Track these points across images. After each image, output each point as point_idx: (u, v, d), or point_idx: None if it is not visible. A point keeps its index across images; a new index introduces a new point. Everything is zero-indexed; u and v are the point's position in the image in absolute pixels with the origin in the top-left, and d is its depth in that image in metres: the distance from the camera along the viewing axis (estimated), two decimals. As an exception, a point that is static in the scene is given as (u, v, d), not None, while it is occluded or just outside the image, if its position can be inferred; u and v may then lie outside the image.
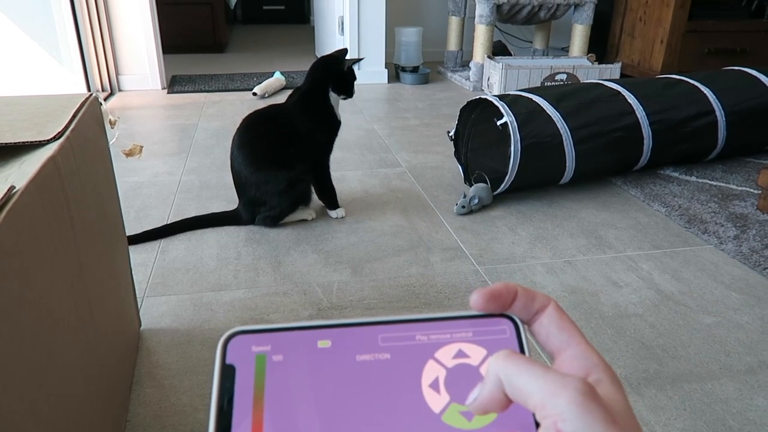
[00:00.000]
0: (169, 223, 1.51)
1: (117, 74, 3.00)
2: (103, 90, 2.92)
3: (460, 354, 0.25)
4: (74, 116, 0.79)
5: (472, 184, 1.76)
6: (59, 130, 0.72)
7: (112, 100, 2.85)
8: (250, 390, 0.24)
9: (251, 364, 0.25)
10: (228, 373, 0.25)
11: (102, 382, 0.79)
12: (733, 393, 0.98)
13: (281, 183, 1.46)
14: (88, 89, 2.62)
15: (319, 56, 4.11)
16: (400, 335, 0.26)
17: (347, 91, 1.52)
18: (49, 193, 0.62)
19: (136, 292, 1.12)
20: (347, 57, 1.51)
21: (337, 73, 1.49)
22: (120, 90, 3.02)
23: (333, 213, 1.59)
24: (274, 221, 1.52)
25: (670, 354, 1.08)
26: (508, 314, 0.26)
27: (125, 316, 1.00)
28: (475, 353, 0.25)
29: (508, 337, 0.26)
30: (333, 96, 1.50)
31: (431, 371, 0.25)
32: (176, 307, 1.19)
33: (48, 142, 0.69)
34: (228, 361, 0.25)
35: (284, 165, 1.46)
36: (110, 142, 0.97)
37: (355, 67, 1.55)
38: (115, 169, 0.99)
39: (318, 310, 1.19)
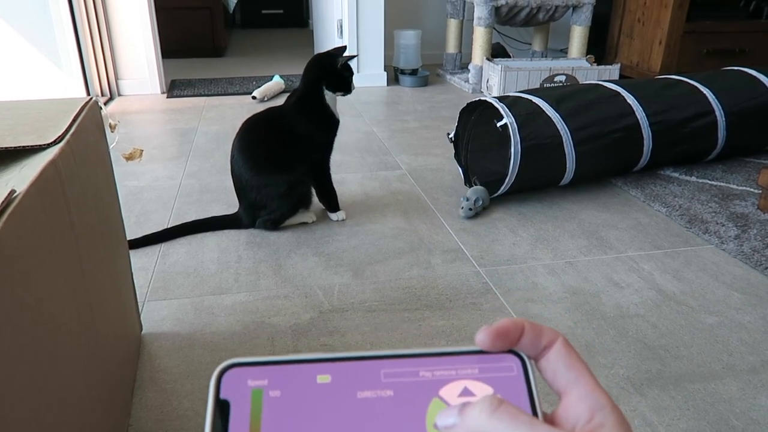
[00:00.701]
0: (169, 227, 1.51)
1: (116, 79, 3.00)
2: (102, 95, 2.93)
3: (466, 392, 0.25)
4: (74, 120, 0.79)
5: (472, 186, 1.76)
6: (59, 134, 0.72)
7: (112, 105, 2.85)
8: (245, 428, 0.23)
9: (247, 400, 0.24)
10: (222, 408, 0.24)
11: (104, 386, 0.79)
12: (736, 393, 0.98)
13: (281, 186, 1.46)
14: (88, 94, 2.62)
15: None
16: (404, 371, 0.25)
17: (343, 87, 1.50)
18: (50, 197, 0.62)
19: (137, 297, 1.12)
20: (344, 54, 1.50)
21: (330, 71, 1.48)
22: (120, 94, 3.02)
23: (334, 216, 1.59)
24: (275, 224, 1.52)
25: (672, 354, 1.08)
26: (515, 350, 0.26)
27: (127, 321, 0.99)
28: (481, 391, 0.25)
29: (515, 374, 0.25)
30: (329, 94, 1.49)
31: (436, 410, 0.24)
32: (177, 311, 1.19)
33: (48, 146, 0.69)
34: (222, 395, 0.24)
35: (284, 168, 1.46)
36: (110, 146, 0.97)
37: (352, 63, 1.53)
38: (116, 174, 0.98)
39: (319, 312, 1.19)
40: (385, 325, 1.15)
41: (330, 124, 1.52)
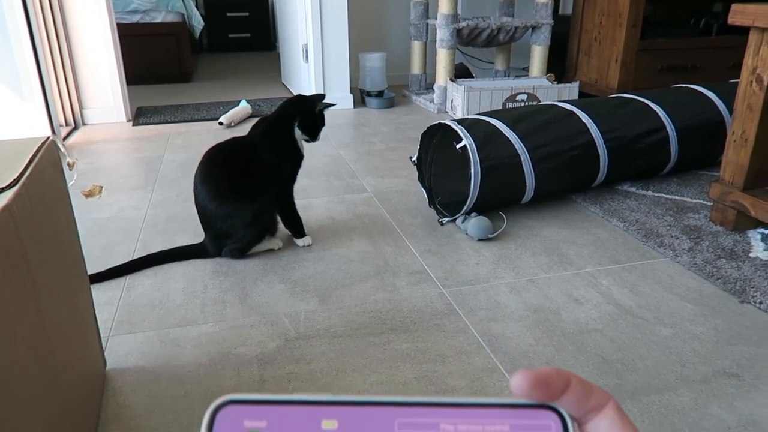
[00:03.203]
0: (134, 259, 1.51)
1: (81, 108, 2.98)
2: (67, 124, 2.90)
3: None
4: (30, 162, 0.80)
5: (437, 208, 1.80)
6: (14, 177, 0.73)
7: (76, 135, 2.83)
8: None
9: None
10: None
11: (65, 425, 0.79)
12: (689, 403, 1.02)
13: (247, 215, 1.47)
14: (51, 125, 2.60)
15: (285, 83, 4.12)
16: (422, 421, 0.22)
17: (312, 133, 1.56)
18: (3, 242, 0.63)
19: (102, 332, 1.12)
20: (323, 101, 1.56)
21: (308, 112, 1.54)
22: (84, 124, 3.00)
23: (300, 242, 1.61)
24: (242, 253, 1.53)
25: (629, 367, 1.11)
26: (554, 406, 0.22)
27: (89, 358, 0.99)
28: None
29: None
30: (298, 132, 1.54)
31: None
32: (142, 345, 1.19)
33: (3, 190, 0.69)
34: None
35: (249, 197, 1.48)
36: (69, 184, 0.97)
37: (326, 113, 1.60)
38: (79, 206, 0.99)
39: (285, 340, 1.20)
40: (351, 350, 1.17)
41: (295, 157, 1.56)
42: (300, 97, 1.61)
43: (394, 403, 0.22)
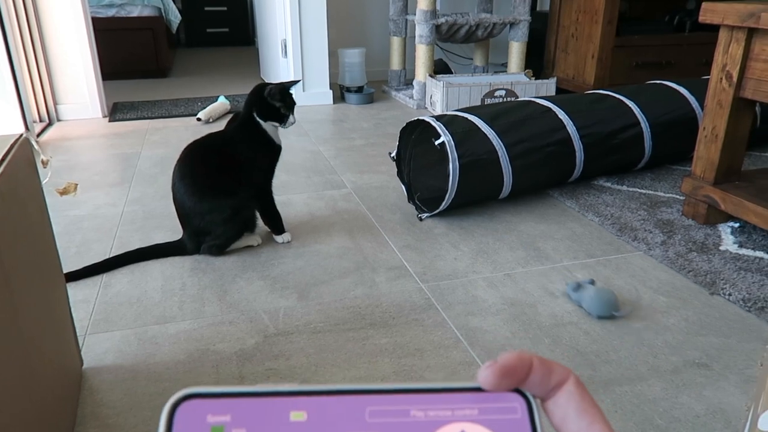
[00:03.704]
0: (110, 256, 1.50)
1: (55, 104, 2.93)
2: (41, 120, 2.86)
3: None
4: (3, 159, 0.79)
5: (416, 203, 1.81)
6: (-14, 176, 0.72)
7: (51, 131, 2.78)
8: None
9: None
10: None
11: (41, 425, 0.79)
12: (660, 393, 1.05)
13: (225, 211, 1.47)
14: (25, 121, 2.55)
15: (263, 78, 4.09)
16: (393, 409, 0.21)
17: (274, 117, 1.51)
18: (-24, 242, 0.62)
19: (78, 331, 1.11)
20: (284, 84, 1.51)
21: (260, 98, 1.49)
22: (59, 120, 2.96)
23: (279, 238, 1.61)
24: (220, 249, 1.52)
25: (602, 359, 1.14)
26: (519, 389, 0.23)
27: (65, 357, 0.99)
28: None
29: (519, 417, 0.22)
30: (264, 122, 1.51)
31: None
32: (120, 343, 1.18)
33: (-25, 189, 0.69)
34: None
35: (227, 193, 1.47)
36: (43, 182, 0.96)
37: (293, 90, 1.55)
38: (54, 204, 0.98)
39: (264, 337, 1.20)
40: (330, 345, 1.18)
41: (270, 150, 1.54)
42: (257, 86, 1.53)
43: (363, 391, 0.22)
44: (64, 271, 1.11)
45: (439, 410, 0.22)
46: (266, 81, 3.88)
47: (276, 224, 1.60)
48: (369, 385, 0.22)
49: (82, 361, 1.11)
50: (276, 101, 1.49)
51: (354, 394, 0.22)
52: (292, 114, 1.54)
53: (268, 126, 1.52)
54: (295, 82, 1.56)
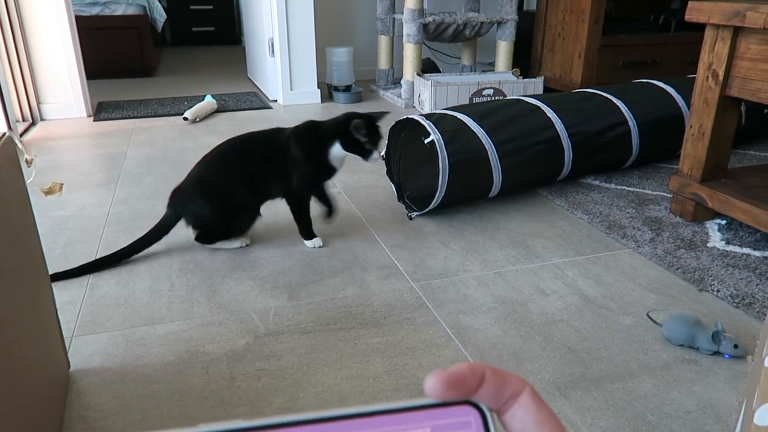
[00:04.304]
0: (96, 258, 1.47)
1: (38, 103, 2.89)
2: (24, 120, 2.81)
3: None
4: (-14, 159, 0.77)
5: (406, 202, 1.80)
6: (-30, 175, 0.70)
7: (34, 131, 2.74)
8: None
9: None
10: None
11: (28, 429, 0.77)
12: (651, 389, 1.05)
13: (224, 210, 1.49)
14: (7, 120, 2.51)
15: (250, 77, 4.06)
16: None
17: (357, 151, 1.45)
18: (-41, 242, 0.61)
19: (64, 333, 1.09)
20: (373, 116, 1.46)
21: (347, 131, 1.44)
22: (42, 119, 2.91)
23: (309, 243, 1.58)
24: (206, 239, 1.53)
25: (593, 356, 1.14)
26: (473, 401, 0.22)
27: (51, 360, 0.97)
28: None
29: (473, 431, 0.22)
30: (337, 150, 1.46)
31: None
32: (107, 345, 1.16)
33: (-43, 188, 0.67)
34: None
35: (251, 189, 1.50)
36: (27, 182, 0.94)
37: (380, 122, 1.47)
38: (38, 204, 0.96)
39: (255, 337, 1.19)
40: (321, 345, 1.17)
41: (318, 167, 1.50)
42: (346, 114, 1.47)
43: (309, 421, 0.21)
44: (50, 272, 1.09)
45: (394, 429, 0.21)
46: (254, 81, 3.86)
47: (305, 229, 1.58)
48: (314, 414, 0.21)
49: (69, 363, 1.09)
50: (361, 136, 1.43)
51: (299, 425, 0.21)
52: (377, 149, 1.46)
53: (337, 152, 1.46)
54: (384, 114, 1.50)
